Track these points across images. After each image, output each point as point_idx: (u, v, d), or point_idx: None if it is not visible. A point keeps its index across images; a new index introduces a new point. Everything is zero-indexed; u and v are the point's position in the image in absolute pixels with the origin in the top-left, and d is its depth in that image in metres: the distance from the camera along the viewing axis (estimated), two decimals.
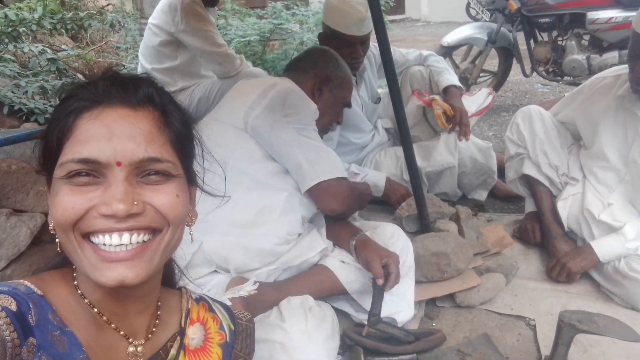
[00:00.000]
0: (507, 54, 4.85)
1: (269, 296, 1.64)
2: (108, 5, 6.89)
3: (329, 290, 1.79)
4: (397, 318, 1.87)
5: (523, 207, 2.65)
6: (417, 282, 2.03)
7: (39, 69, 3.07)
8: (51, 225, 0.75)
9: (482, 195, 2.91)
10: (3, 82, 2.82)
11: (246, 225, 1.69)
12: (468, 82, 4.89)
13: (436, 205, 2.42)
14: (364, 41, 2.60)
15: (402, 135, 2.19)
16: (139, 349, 0.80)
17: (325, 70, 1.98)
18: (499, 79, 5.10)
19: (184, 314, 0.89)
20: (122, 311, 0.79)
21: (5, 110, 2.68)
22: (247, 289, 1.52)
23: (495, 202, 2.97)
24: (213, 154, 0.90)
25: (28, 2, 2.97)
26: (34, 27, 2.61)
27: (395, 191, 2.76)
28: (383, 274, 1.66)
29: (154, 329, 0.84)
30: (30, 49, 2.96)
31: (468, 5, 5.36)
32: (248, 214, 1.71)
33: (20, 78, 2.81)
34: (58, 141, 0.73)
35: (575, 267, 2.11)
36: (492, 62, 5.36)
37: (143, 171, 0.73)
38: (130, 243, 0.71)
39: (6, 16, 2.52)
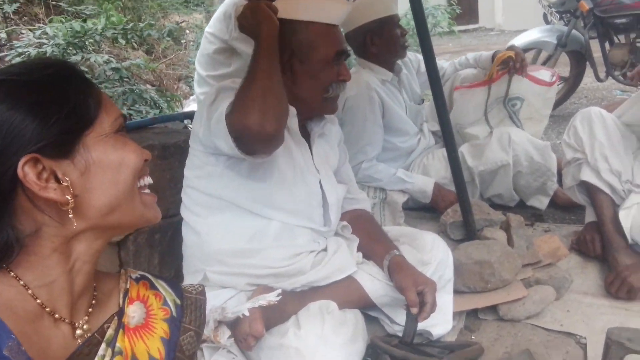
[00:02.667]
0: (579, 58, 4.56)
1: (290, 306, 1.59)
2: (182, 22, 7.24)
3: (356, 303, 1.71)
4: (433, 332, 1.77)
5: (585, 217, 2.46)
6: (458, 292, 1.92)
7: (105, 77, 3.25)
8: (71, 201, 0.75)
9: (542, 202, 2.72)
10: None
11: (239, 255, 1.62)
12: None
13: (484, 212, 2.30)
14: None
15: (445, 138, 2.11)
16: (85, 327, 0.82)
17: (285, 45, 1.64)
18: (571, 85, 4.80)
19: (122, 294, 0.90)
20: (70, 290, 0.80)
21: None
22: (268, 298, 1.49)
23: (556, 211, 2.77)
24: None
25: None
26: (97, 37, 2.76)
27: (444, 198, 2.65)
28: (418, 302, 1.56)
29: (90, 309, 0.84)
30: (96, 59, 3.14)
31: (545, 15, 5.07)
32: (239, 241, 1.63)
33: None
34: (96, 105, 0.80)
35: (637, 282, 1.92)
36: (563, 68, 5.06)
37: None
38: None
39: (72, 27, 2.69)
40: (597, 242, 2.22)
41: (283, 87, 1.42)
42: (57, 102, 0.75)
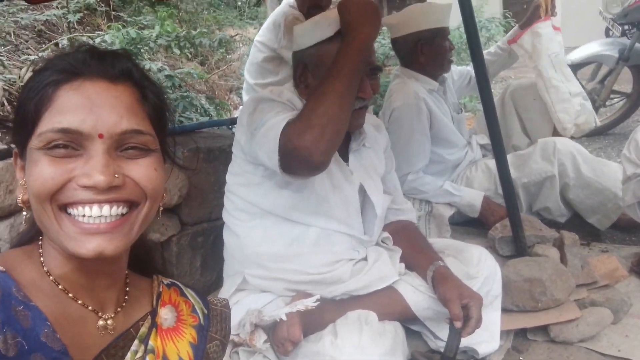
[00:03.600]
0: None
1: (329, 314, 1.55)
2: (236, 35, 7.39)
3: (398, 314, 1.65)
4: (479, 349, 1.69)
5: None
6: (507, 310, 1.83)
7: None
8: (20, 198, 0.75)
9: (602, 223, 2.54)
10: None
11: (277, 259, 1.60)
12: (595, 104, 4.44)
13: (536, 228, 2.19)
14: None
15: (495, 148, 2.03)
16: (109, 322, 0.80)
17: (297, 59, 1.64)
18: (634, 101, 4.56)
19: (155, 296, 0.89)
20: (89, 285, 0.79)
21: None
22: (306, 303, 1.46)
23: (614, 231, 2.61)
24: None
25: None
26: (152, 45, 2.84)
27: (493, 212, 2.53)
28: (462, 316, 1.48)
29: (123, 304, 0.84)
30: (150, 66, 3.24)
31: (608, 30, 4.85)
32: (278, 245, 1.61)
33: None
34: (36, 111, 0.72)
35: None
36: (626, 84, 4.82)
37: (123, 145, 0.73)
38: (110, 215, 0.72)
39: (128, 34, 2.78)
40: None
41: (350, 112, 1.38)
42: (20, 99, 0.76)
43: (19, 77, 3.11)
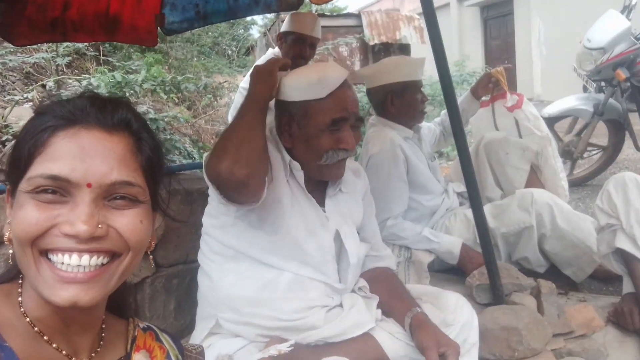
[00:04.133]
0: (618, 127, 4.46)
1: None
2: (225, 82, 7.53)
3: None
4: None
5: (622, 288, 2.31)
6: (483, 359, 1.81)
7: None
8: (6, 236, 0.75)
9: (577, 275, 2.55)
10: None
11: (249, 303, 1.58)
12: (573, 155, 4.56)
13: (513, 276, 2.19)
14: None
15: (471, 197, 2.06)
16: None
17: (283, 108, 1.64)
18: (610, 154, 4.67)
19: (129, 340, 0.88)
20: (65, 329, 0.78)
21: None
22: (280, 348, 1.43)
23: (592, 281, 2.62)
24: None
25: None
26: (137, 89, 2.89)
27: (471, 260, 2.53)
28: None
29: (98, 349, 0.82)
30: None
31: (585, 86, 5.01)
32: (250, 289, 1.60)
33: None
34: (29, 155, 0.73)
35: None
36: (601, 137, 4.96)
37: (111, 194, 0.74)
38: (89, 265, 0.71)
39: (114, 77, 2.83)
40: (636, 315, 2.07)
41: (263, 138, 1.46)
42: (17, 141, 0.77)
43: (2, 116, 3.12)
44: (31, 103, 3.63)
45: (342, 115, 1.58)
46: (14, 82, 4.24)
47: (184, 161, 3.31)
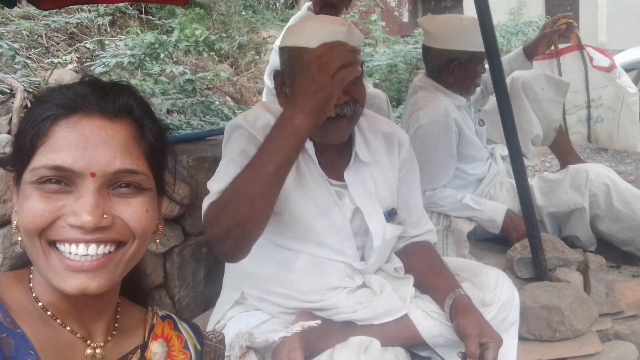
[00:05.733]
0: None
1: (332, 337, 1.46)
2: (269, 37, 7.40)
3: (406, 340, 1.54)
4: None
5: None
6: (522, 338, 1.71)
7: (179, 88, 3.34)
8: (14, 223, 0.75)
9: (637, 253, 2.35)
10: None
11: (269, 281, 1.53)
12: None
13: (558, 250, 2.05)
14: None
15: (514, 166, 1.91)
16: (98, 350, 0.79)
17: (277, 70, 1.53)
18: None
19: (147, 328, 0.88)
20: (77, 313, 0.78)
21: None
22: (306, 324, 1.38)
23: None
24: None
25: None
26: (170, 49, 2.84)
27: (516, 227, 2.38)
28: (477, 355, 1.34)
29: (114, 332, 0.83)
30: (172, 70, 3.24)
31: None
32: (268, 267, 1.54)
33: (157, 96, 3.08)
34: (31, 145, 0.73)
35: None
36: None
37: (115, 182, 0.74)
38: (96, 254, 0.72)
39: (147, 39, 2.79)
40: None
41: (269, 209, 1.28)
42: (18, 130, 0.77)
43: (44, 79, 3.15)
44: (72, 65, 3.67)
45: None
46: (57, 44, 4.29)
47: (221, 124, 3.27)
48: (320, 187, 1.52)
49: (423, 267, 1.62)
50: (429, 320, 1.53)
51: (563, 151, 2.99)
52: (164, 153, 0.83)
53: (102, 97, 0.76)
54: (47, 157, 0.71)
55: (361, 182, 1.57)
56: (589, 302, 1.77)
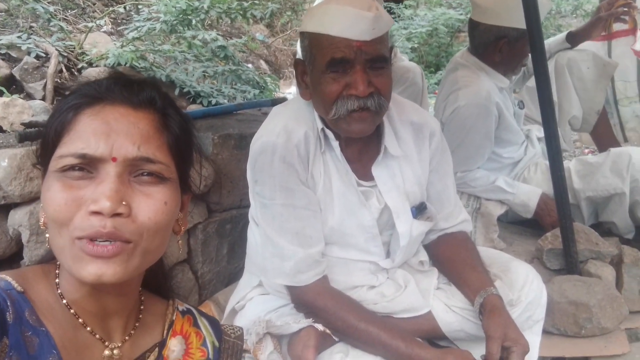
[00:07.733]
0: None
1: None
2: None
3: (425, 332, 1.51)
4: None
5: None
6: (546, 332, 1.67)
7: (210, 55, 3.30)
8: (42, 220, 0.76)
9: None
10: (176, 67, 3.09)
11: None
12: None
13: (592, 242, 1.97)
14: None
15: (549, 150, 1.82)
16: (115, 351, 0.80)
17: (297, 59, 1.47)
18: None
19: (167, 325, 0.89)
20: (100, 312, 0.79)
21: (176, 91, 2.94)
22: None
23: None
24: None
25: None
26: (202, 16, 2.79)
27: (550, 212, 2.28)
28: (497, 358, 1.31)
29: (132, 332, 0.84)
30: (203, 37, 3.19)
31: None
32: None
33: (189, 63, 3.06)
34: (57, 135, 0.74)
35: None
36: None
37: (136, 170, 0.74)
38: (114, 240, 0.72)
39: (178, 4, 2.74)
40: None
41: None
42: (47, 121, 0.78)
43: (79, 43, 3.16)
44: (106, 28, 3.66)
45: (345, 54, 1.30)
46: (94, 4, 4.28)
47: (252, 92, 3.23)
48: (348, 189, 1.47)
49: (457, 260, 1.56)
50: (450, 314, 1.50)
51: (604, 139, 2.84)
52: (189, 146, 0.84)
53: (127, 87, 0.78)
54: (71, 145, 0.72)
55: (390, 177, 1.51)
56: (620, 300, 1.70)
